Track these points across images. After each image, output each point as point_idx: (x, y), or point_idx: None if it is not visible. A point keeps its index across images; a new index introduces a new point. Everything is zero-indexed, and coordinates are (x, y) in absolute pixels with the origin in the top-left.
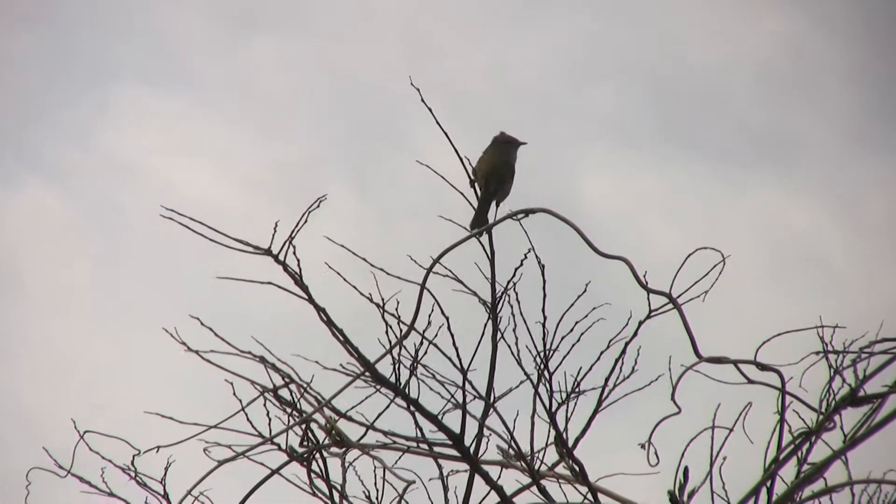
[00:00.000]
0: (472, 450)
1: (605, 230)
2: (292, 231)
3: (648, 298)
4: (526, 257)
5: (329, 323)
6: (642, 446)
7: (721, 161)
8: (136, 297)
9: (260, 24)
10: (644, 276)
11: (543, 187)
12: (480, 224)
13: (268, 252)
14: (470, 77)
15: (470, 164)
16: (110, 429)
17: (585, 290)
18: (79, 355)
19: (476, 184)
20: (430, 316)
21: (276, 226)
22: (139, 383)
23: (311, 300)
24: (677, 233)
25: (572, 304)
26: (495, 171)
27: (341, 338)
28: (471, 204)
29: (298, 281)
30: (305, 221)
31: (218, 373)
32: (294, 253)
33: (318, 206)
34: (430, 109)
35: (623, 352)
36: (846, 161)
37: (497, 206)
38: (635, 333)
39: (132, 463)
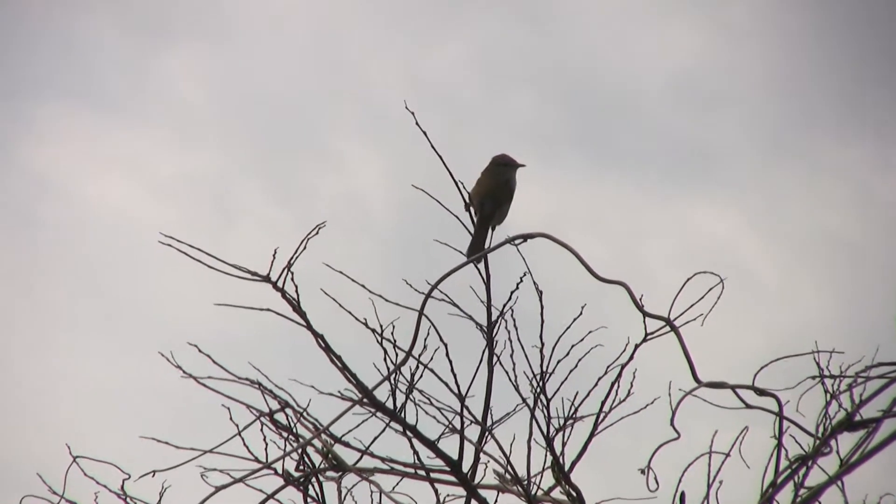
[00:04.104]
0: (468, 475)
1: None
2: (291, 258)
3: (645, 322)
4: (522, 280)
5: (327, 349)
6: (642, 471)
7: (638, 170)
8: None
9: (172, 34)
10: (641, 300)
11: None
12: (478, 249)
13: (267, 279)
14: (385, 85)
15: (465, 187)
16: (105, 454)
17: (581, 313)
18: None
19: (472, 207)
20: (425, 340)
21: (276, 253)
22: (132, 409)
23: (309, 327)
24: (598, 246)
25: (568, 327)
26: (492, 193)
27: (339, 364)
28: (467, 228)
29: (297, 307)
30: (305, 248)
31: (214, 398)
32: (292, 279)
33: (317, 233)
34: (424, 133)
35: (619, 375)
36: (763, 169)
37: (492, 230)
38: (631, 357)
39: (122, 487)
